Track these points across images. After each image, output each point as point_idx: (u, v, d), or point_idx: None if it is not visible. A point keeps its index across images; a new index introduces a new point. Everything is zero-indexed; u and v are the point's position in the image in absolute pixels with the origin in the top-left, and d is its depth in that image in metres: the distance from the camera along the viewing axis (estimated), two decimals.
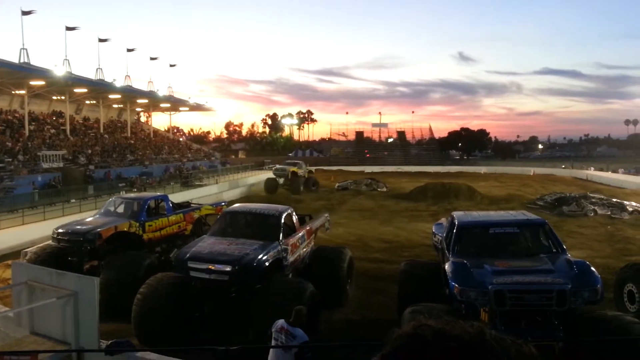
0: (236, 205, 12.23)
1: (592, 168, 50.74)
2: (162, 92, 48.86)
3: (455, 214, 9.56)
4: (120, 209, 12.75)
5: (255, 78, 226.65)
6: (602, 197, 24.94)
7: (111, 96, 43.18)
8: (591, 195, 25.21)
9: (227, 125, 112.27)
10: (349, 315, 9.63)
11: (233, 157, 75.49)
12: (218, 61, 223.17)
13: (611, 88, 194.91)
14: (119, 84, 41.81)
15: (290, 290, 7.82)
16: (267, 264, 8.56)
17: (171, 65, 54.18)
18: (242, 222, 10.27)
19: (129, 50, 46.49)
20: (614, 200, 24.05)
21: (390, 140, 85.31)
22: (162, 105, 52.19)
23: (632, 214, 21.55)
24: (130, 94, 44.38)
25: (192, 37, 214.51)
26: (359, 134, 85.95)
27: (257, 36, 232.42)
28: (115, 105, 48.39)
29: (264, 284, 8.20)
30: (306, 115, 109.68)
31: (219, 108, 69.49)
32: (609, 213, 21.68)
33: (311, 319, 6.91)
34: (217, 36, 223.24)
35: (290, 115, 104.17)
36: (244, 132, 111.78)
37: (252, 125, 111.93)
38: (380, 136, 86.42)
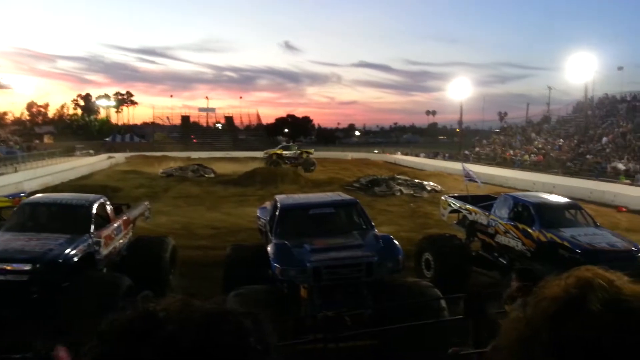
0: (38, 195, 10.81)
1: (399, 153, 56.83)
2: None
3: (278, 197, 9.84)
4: None
5: (64, 54, 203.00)
6: (407, 178, 28.18)
7: None
8: (398, 177, 28.29)
9: (30, 106, 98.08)
10: None
11: (37, 141, 66.52)
12: (17, 32, 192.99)
13: (415, 82, 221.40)
14: None
15: (103, 286, 7.24)
16: (75, 259, 7.76)
17: None
18: (45, 215, 9.14)
19: None
20: (416, 180, 27.36)
21: (218, 125, 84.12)
22: None
23: (430, 193, 24.77)
24: None
25: None
26: (185, 119, 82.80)
27: (66, 5, 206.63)
28: None
29: (73, 281, 7.45)
30: (125, 96, 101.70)
31: (17, 86, 60.06)
32: (412, 192, 24.61)
33: None
34: (15, 2, 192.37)
35: (106, 96, 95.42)
36: (50, 114, 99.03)
37: (62, 107, 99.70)
38: (207, 121, 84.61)
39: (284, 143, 46.53)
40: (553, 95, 56.98)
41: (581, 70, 40.72)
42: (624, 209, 20.25)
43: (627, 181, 25.46)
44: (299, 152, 39.78)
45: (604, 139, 34.36)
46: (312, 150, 42.73)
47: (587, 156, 33.16)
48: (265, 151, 42.01)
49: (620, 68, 51.11)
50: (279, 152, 38.77)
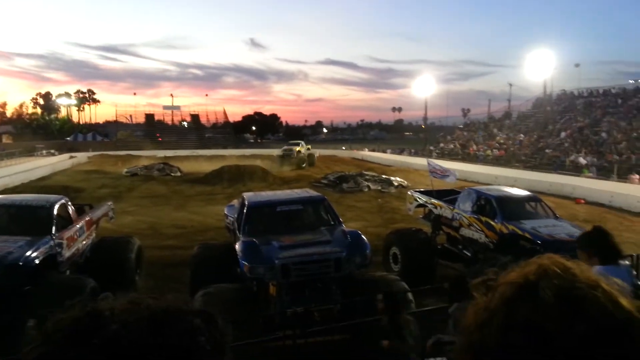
0: None
1: (367, 149, 57.19)
2: None
3: (246, 194, 9.80)
4: None
5: (23, 51, 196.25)
6: (374, 174, 28.42)
7: None
8: (365, 173, 28.47)
9: None
10: None
11: None
12: None
13: (381, 79, 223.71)
14: None
15: (66, 289, 7.05)
16: (36, 261, 7.54)
17: None
18: (4, 217, 8.82)
19: None
20: (383, 176, 27.61)
21: (184, 123, 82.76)
22: None
23: (397, 188, 25.02)
24: None
25: None
26: (150, 117, 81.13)
27: (22, 1, 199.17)
28: None
29: (35, 285, 7.24)
30: (87, 95, 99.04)
31: None
32: (380, 188, 24.80)
33: None
34: None
35: (67, 94, 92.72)
36: (9, 114, 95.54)
37: (20, 106, 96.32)
38: (173, 119, 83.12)
39: (296, 141, 51.71)
40: (513, 92, 58.97)
41: (540, 67, 41.95)
42: (582, 201, 20.98)
43: (590, 174, 26.16)
44: (307, 148, 45.18)
45: (562, 134, 35.52)
46: (309, 147, 48.38)
47: (547, 150, 34.20)
48: (283, 148, 44.93)
49: (577, 65, 53.18)
50: (299, 149, 43.36)
